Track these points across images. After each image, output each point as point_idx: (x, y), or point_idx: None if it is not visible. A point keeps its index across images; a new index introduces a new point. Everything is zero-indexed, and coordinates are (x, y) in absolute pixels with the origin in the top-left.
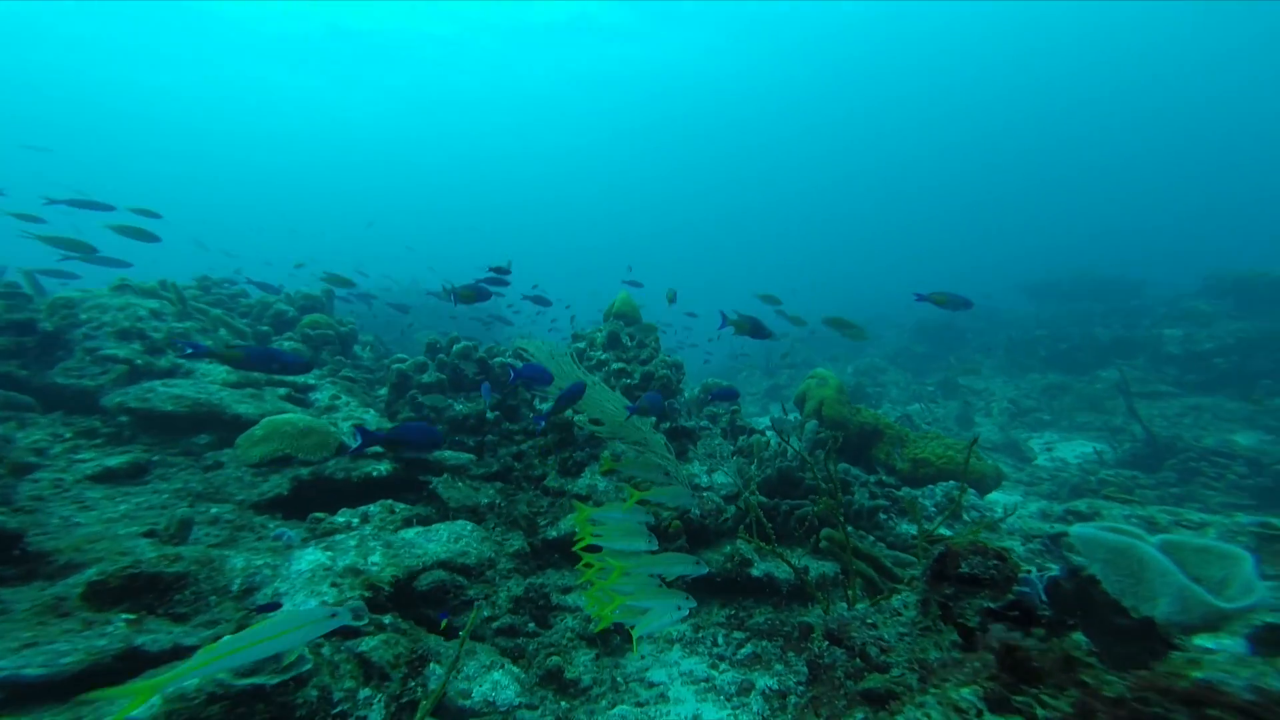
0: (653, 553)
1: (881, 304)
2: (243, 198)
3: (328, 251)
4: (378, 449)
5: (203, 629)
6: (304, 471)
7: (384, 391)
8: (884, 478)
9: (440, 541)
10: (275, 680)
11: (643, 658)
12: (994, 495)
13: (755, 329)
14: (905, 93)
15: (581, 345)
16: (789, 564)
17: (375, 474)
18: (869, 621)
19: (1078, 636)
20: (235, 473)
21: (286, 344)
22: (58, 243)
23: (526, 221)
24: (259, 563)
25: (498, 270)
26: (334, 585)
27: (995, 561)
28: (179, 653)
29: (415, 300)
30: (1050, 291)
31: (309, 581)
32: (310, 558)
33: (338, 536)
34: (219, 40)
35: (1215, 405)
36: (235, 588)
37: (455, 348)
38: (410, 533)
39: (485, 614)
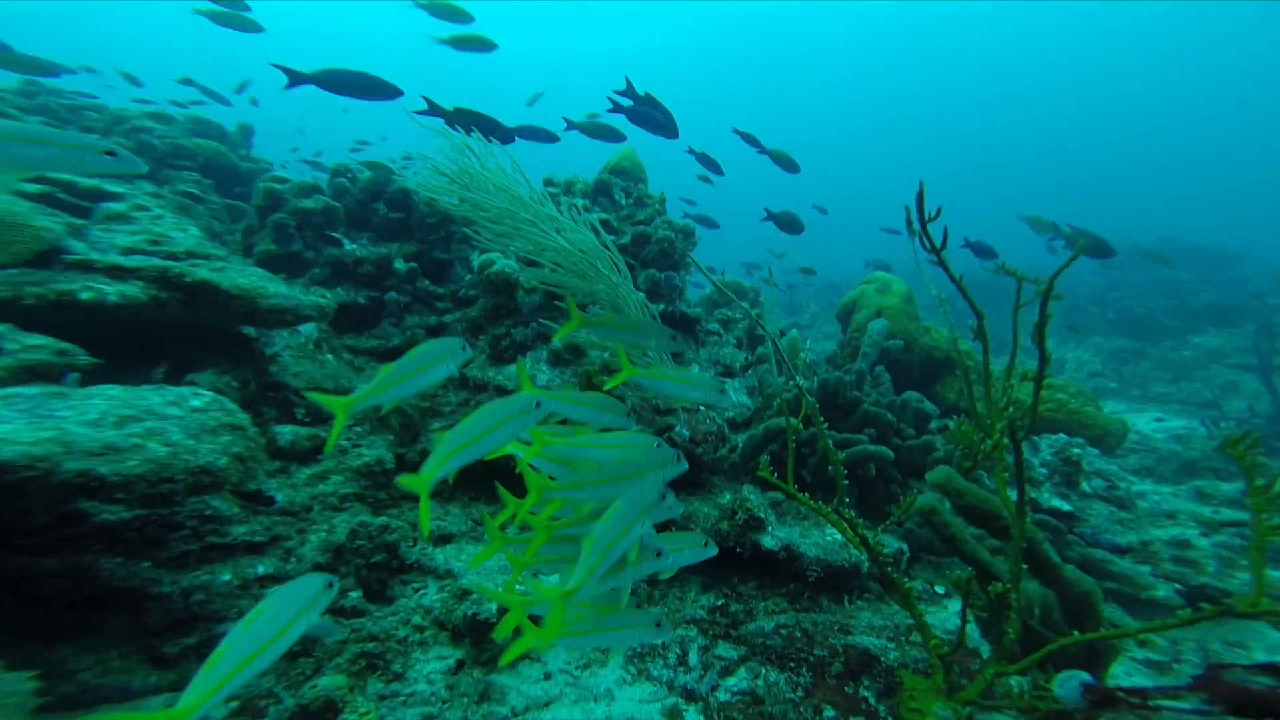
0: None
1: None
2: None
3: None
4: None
5: None
6: None
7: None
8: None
9: (63, 421)
10: None
11: (548, 677)
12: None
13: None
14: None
15: (555, 190)
16: (856, 532)
17: (91, 297)
18: None
19: None
20: None
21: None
22: None
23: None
24: None
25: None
26: None
27: None
28: None
29: None
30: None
31: None
32: None
33: None
34: None
35: None
36: None
37: (363, 176)
38: None
39: (259, 571)
